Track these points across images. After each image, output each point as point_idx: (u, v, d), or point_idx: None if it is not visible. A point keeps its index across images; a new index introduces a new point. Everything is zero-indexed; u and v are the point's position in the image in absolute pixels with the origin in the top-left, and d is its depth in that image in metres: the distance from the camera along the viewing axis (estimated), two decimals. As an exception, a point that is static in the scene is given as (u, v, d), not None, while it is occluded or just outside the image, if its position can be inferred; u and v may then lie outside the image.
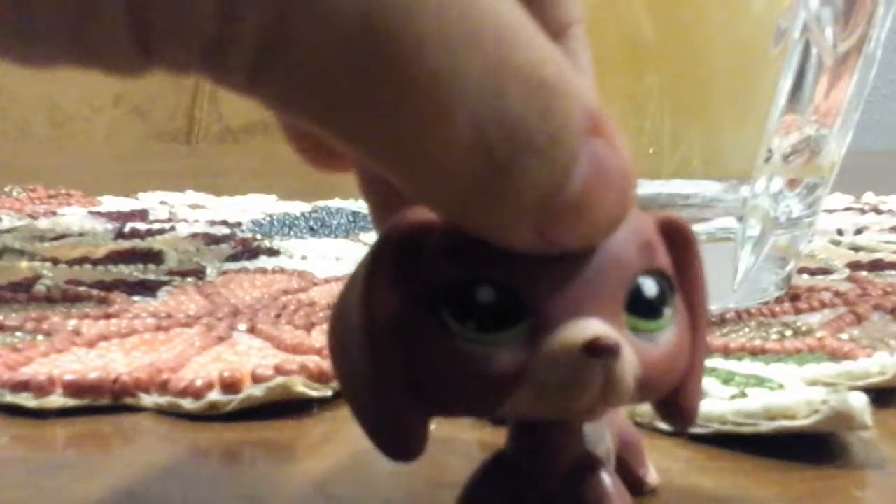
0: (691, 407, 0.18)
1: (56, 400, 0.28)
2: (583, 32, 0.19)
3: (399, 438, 0.16)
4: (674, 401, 0.18)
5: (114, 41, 0.13)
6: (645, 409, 0.27)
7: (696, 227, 0.37)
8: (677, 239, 0.17)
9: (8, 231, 0.58)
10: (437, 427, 0.17)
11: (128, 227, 0.60)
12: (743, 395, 0.27)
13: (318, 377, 0.29)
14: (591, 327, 0.15)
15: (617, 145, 0.15)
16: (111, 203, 0.70)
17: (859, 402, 0.24)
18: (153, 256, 0.50)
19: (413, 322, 0.16)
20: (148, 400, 0.28)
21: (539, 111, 0.14)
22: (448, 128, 0.14)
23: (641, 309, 0.16)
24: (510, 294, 0.15)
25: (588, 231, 0.15)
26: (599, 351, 0.15)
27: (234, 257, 0.50)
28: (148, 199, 0.72)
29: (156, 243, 0.54)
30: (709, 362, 0.29)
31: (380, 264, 0.16)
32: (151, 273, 0.46)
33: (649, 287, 0.16)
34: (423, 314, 0.16)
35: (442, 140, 0.14)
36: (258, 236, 0.57)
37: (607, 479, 0.18)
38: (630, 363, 0.16)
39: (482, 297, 0.15)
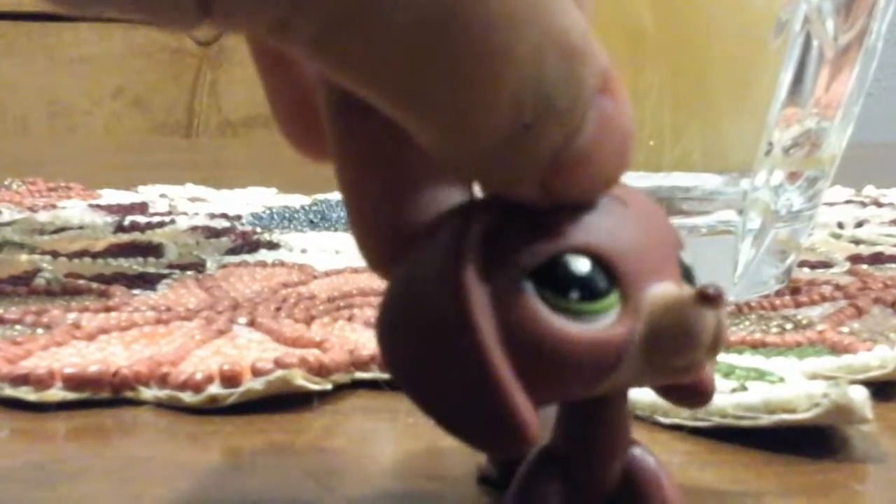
0: (709, 381, 0.18)
1: (56, 393, 0.28)
2: None
3: (514, 428, 0.16)
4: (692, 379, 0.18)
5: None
6: (645, 402, 0.27)
7: (697, 220, 0.37)
8: None
9: (7, 224, 0.57)
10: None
11: (127, 220, 0.59)
12: (743, 388, 0.27)
13: (318, 370, 0.29)
14: (684, 287, 0.16)
15: (621, 103, 0.16)
16: (111, 196, 0.70)
17: (860, 396, 0.24)
18: (153, 250, 0.50)
19: (514, 303, 0.16)
20: (148, 393, 0.28)
21: (565, 76, 0.15)
22: (494, 95, 0.15)
23: (689, 279, 0.17)
24: (599, 262, 0.16)
25: (587, 185, 0.16)
26: (712, 299, 0.15)
27: (233, 250, 0.50)
28: (148, 193, 0.72)
29: (155, 236, 0.54)
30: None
31: (469, 247, 0.16)
32: (151, 266, 0.46)
33: (687, 257, 0.17)
34: (522, 294, 0.16)
35: (485, 106, 0.15)
36: (258, 229, 0.57)
37: (662, 473, 0.18)
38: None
39: (579, 268, 0.16)
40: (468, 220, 0.16)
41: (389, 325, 0.17)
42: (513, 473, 0.19)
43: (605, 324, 0.16)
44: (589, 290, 0.16)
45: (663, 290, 0.16)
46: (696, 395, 0.18)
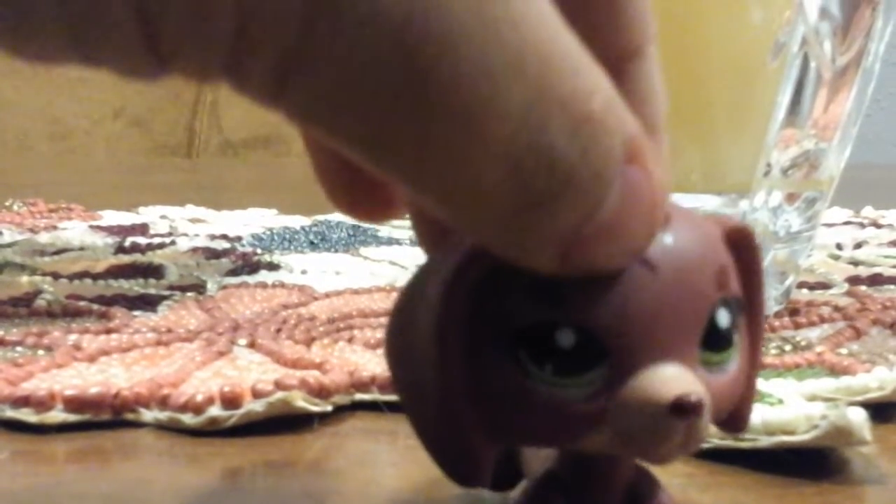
0: (746, 413, 0.18)
1: (56, 415, 0.28)
2: (655, 52, 0.18)
3: (467, 465, 0.16)
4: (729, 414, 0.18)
5: (122, 46, 0.13)
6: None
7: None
8: (742, 248, 0.17)
9: (8, 245, 0.58)
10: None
11: (128, 241, 0.60)
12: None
13: (319, 392, 0.29)
14: (675, 382, 0.15)
15: (651, 171, 0.15)
16: (111, 217, 0.70)
17: (858, 418, 0.24)
18: (153, 271, 0.50)
19: (488, 358, 0.16)
20: (148, 415, 0.28)
21: (582, 147, 0.14)
22: (482, 157, 0.13)
23: (714, 342, 0.16)
24: (589, 337, 0.15)
25: (611, 259, 0.15)
26: (686, 412, 0.15)
27: (234, 272, 0.50)
28: (148, 214, 0.72)
29: (156, 258, 0.54)
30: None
31: (456, 295, 0.16)
32: (152, 287, 0.46)
33: (723, 318, 0.16)
34: (499, 351, 0.16)
35: (475, 168, 0.14)
36: (258, 250, 0.57)
37: (666, 498, 0.18)
38: (708, 411, 0.15)
39: (562, 342, 0.15)
40: (469, 261, 0.16)
41: (388, 344, 0.17)
42: (502, 488, 0.21)
43: (578, 398, 0.15)
44: (567, 365, 0.15)
45: (649, 380, 0.15)
46: (730, 425, 0.18)
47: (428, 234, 0.20)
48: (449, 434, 0.16)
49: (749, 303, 0.17)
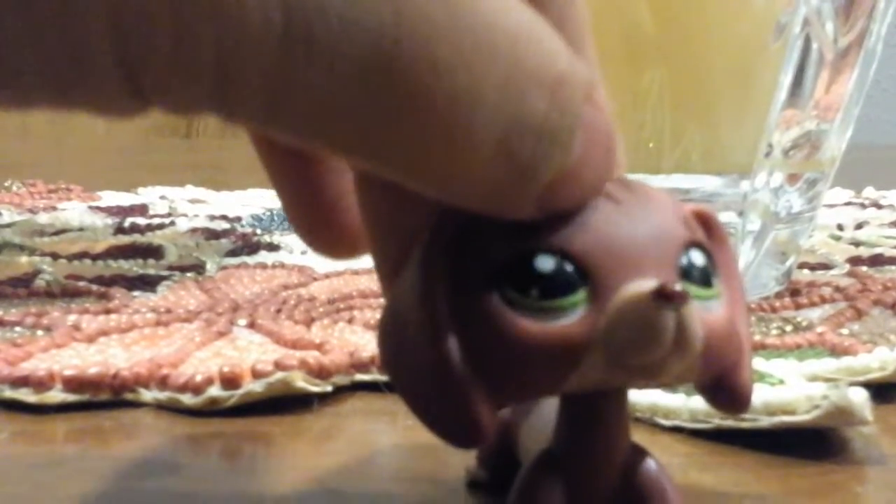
0: (746, 386, 0.18)
1: (56, 395, 0.28)
2: None
3: (466, 425, 0.16)
4: (728, 383, 0.18)
5: (103, 91, 0.13)
6: (645, 404, 0.27)
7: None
8: (707, 226, 0.18)
9: (8, 226, 0.58)
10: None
11: (127, 221, 0.60)
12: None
13: (318, 372, 0.29)
14: (655, 281, 0.15)
15: (601, 105, 0.15)
16: (111, 198, 0.70)
17: (859, 398, 0.24)
18: (153, 251, 0.50)
19: (476, 305, 0.16)
20: (148, 395, 0.28)
21: (560, 107, 0.14)
22: (472, 142, 0.14)
23: (695, 277, 0.17)
24: (569, 261, 0.16)
25: (577, 196, 0.16)
26: (670, 296, 0.15)
27: (233, 252, 0.50)
28: (147, 194, 0.72)
29: (155, 238, 0.54)
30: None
31: (436, 254, 0.16)
32: (151, 268, 0.46)
33: (698, 257, 0.17)
34: (485, 296, 0.16)
35: (464, 151, 0.14)
36: (258, 231, 0.57)
37: (663, 475, 0.18)
38: (697, 315, 0.16)
39: (542, 266, 0.16)
40: (441, 222, 0.16)
41: (382, 328, 0.17)
42: (501, 476, 0.20)
43: (567, 321, 0.16)
44: (551, 288, 0.16)
45: (633, 286, 0.16)
46: (731, 400, 0.18)
47: (388, 267, 0.20)
48: (445, 395, 0.16)
49: (726, 277, 0.18)
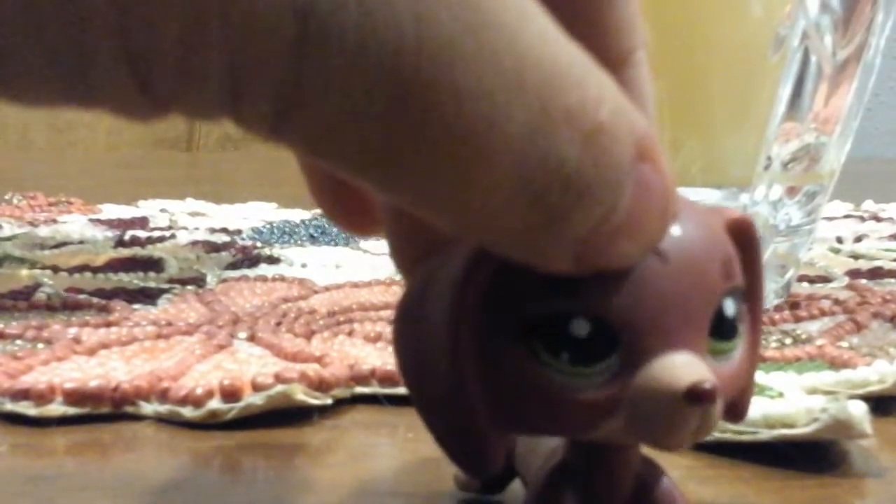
0: (745, 402, 0.18)
1: (56, 408, 0.28)
2: (645, 58, 0.18)
3: (478, 454, 0.16)
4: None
5: (117, 93, 0.13)
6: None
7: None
8: (743, 238, 0.17)
9: (8, 239, 0.58)
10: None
11: (128, 234, 0.60)
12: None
13: (318, 385, 0.29)
14: (688, 369, 0.15)
15: (660, 165, 0.15)
16: (111, 211, 0.70)
17: (859, 411, 0.24)
18: (153, 264, 0.50)
19: (502, 348, 0.16)
20: (148, 408, 0.28)
21: (593, 158, 0.14)
22: (489, 174, 0.13)
23: (722, 332, 0.16)
24: (603, 326, 0.15)
25: (625, 255, 0.15)
26: (701, 399, 0.15)
27: (234, 265, 0.50)
28: (148, 207, 0.72)
29: (156, 251, 0.54)
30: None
31: (471, 286, 0.16)
32: (152, 281, 0.46)
33: (730, 308, 0.16)
34: (513, 341, 0.16)
35: (483, 186, 0.13)
36: (258, 244, 0.57)
37: (676, 490, 0.18)
38: (719, 406, 0.16)
39: (576, 331, 0.15)
40: (481, 253, 0.16)
41: (398, 332, 0.17)
42: (493, 484, 0.22)
43: (594, 387, 0.15)
44: (583, 356, 0.15)
45: (662, 368, 0.15)
46: (729, 413, 0.18)
47: (405, 252, 0.20)
48: (460, 424, 0.16)
49: (749, 292, 0.17)
